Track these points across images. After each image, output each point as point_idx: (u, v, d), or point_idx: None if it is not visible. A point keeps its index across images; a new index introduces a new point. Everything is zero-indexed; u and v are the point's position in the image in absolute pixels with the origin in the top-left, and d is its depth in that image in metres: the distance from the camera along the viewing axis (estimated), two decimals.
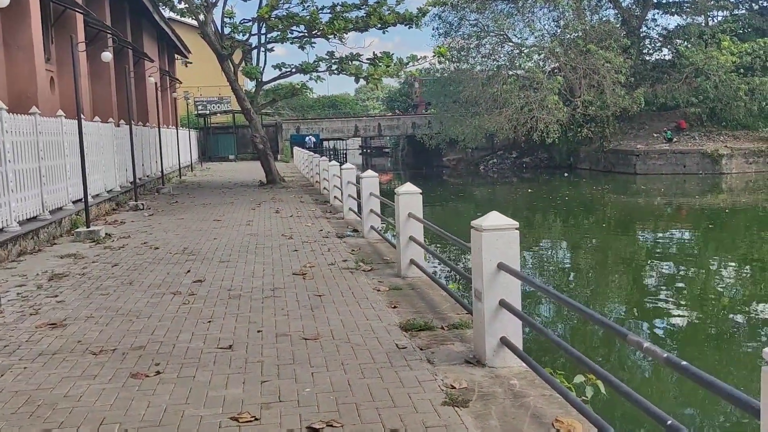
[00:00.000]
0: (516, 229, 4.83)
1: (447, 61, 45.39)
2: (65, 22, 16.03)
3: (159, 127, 22.19)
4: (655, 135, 41.31)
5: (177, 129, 28.60)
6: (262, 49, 21.93)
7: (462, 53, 44.70)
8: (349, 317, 6.14)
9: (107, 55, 13.01)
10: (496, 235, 4.78)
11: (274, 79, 22.30)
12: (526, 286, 5.63)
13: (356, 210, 13.19)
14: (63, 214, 12.53)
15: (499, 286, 4.77)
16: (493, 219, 4.83)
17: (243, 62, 22.37)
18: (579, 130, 41.24)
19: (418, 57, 20.03)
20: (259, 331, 5.78)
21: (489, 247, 4.76)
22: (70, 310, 6.69)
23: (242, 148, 46.52)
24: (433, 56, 20.67)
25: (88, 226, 11.62)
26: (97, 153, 15.97)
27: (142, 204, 16.30)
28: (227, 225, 13.02)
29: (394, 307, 6.49)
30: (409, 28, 20.50)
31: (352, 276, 7.94)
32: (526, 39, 43.96)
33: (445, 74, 48.40)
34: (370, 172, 10.93)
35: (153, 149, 22.90)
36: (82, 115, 14.61)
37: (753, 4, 45.79)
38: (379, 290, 7.18)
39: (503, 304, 4.75)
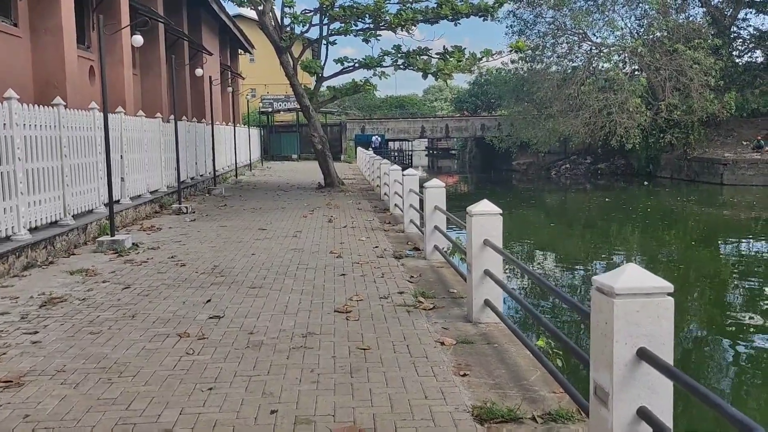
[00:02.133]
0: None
1: (520, 60, 43.26)
2: (110, 6, 14.80)
3: (212, 124, 20.91)
4: (744, 143, 38.19)
5: (235, 126, 27.36)
6: (324, 42, 20.42)
7: (537, 52, 42.40)
8: (401, 391, 4.41)
9: (138, 39, 11.67)
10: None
11: (336, 75, 20.74)
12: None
13: (417, 223, 11.46)
14: (91, 219, 11.21)
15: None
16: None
17: (303, 56, 20.90)
18: (661, 135, 38.44)
19: (493, 52, 18.14)
20: (273, 412, 4.10)
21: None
22: (41, 358, 5.17)
23: (305, 147, 45.27)
24: (510, 51, 18.78)
25: (112, 235, 10.23)
26: (138, 150, 14.70)
27: (186, 207, 14.95)
28: (272, 236, 11.46)
29: (464, 374, 4.71)
30: (483, 20, 18.62)
31: (409, 317, 6.20)
32: (606, 38, 41.33)
33: (519, 74, 46.18)
34: (436, 182, 9.16)
35: (207, 147, 21.67)
36: (121, 109, 13.40)
37: None
38: (443, 343, 5.41)
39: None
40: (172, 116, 17.71)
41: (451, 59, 17.92)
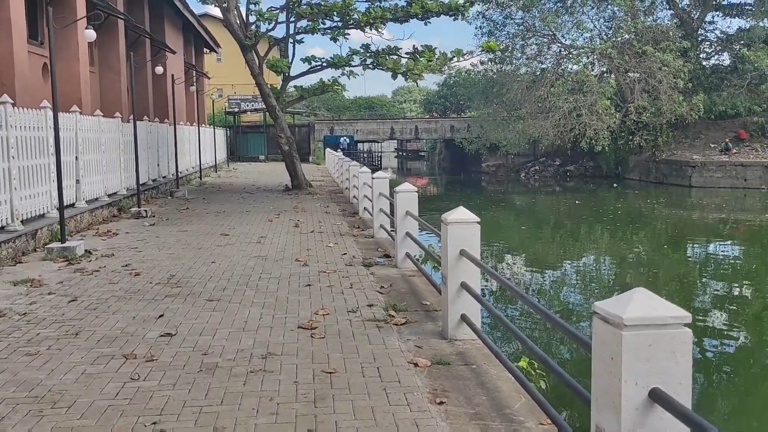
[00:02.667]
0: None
1: (489, 62, 43.08)
2: (64, 0, 14.06)
3: (175, 124, 20.21)
4: (712, 145, 38.40)
5: (199, 127, 26.64)
6: (291, 40, 19.85)
7: (506, 54, 42.21)
8: (370, 424, 3.92)
9: (90, 34, 11.01)
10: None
11: (303, 74, 20.17)
12: None
13: (388, 228, 11.00)
14: (42, 224, 10.54)
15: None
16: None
17: (269, 54, 20.31)
18: (630, 137, 38.49)
19: (464, 52, 17.75)
20: None
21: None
22: None
23: (273, 148, 44.47)
24: (482, 51, 18.40)
25: (63, 241, 9.59)
26: (95, 151, 14.01)
27: (146, 211, 14.30)
28: (234, 242, 10.90)
29: (441, 402, 4.25)
30: (454, 19, 18.23)
31: (379, 334, 5.72)
32: (576, 40, 41.32)
33: (488, 75, 46.00)
34: (407, 186, 8.69)
35: (170, 148, 20.96)
36: (77, 108, 12.73)
37: None
38: (417, 365, 4.95)
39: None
40: (132, 116, 17.05)
41: (421, 59, 17.49)
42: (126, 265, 8.86)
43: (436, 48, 17.81)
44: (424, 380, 4.64)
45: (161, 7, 23.43)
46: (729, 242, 21.71)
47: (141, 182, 17.73)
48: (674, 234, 23.25)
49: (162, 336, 5.69)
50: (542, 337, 10.07)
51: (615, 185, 38.88)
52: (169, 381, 4.65)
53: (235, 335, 5.70)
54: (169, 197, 18.72)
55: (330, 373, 4.77)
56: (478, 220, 5.54)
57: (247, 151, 45.73)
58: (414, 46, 18.19)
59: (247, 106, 49.10)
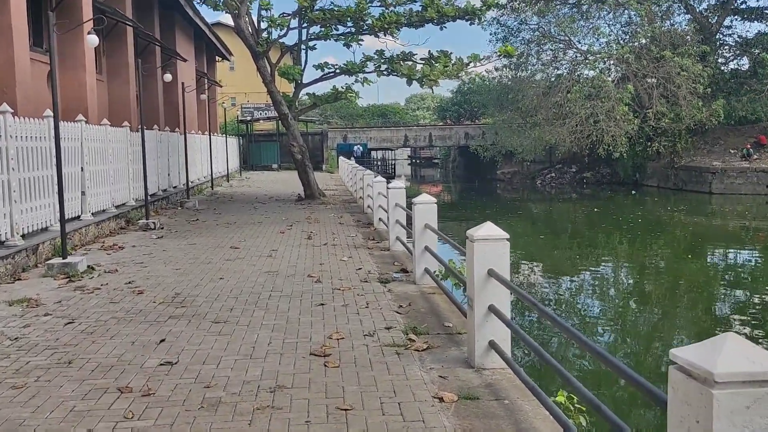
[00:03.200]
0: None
1: (504, 68, 42.61)
2: (71, 6, 13.69)
3: (185, 133, 19.83)
4: (732, 151, 37.66)
5: (211, 135, 26.28)
6: (303, 46, 19.44)
7: (521, 60, 41.69)
8: None
9: (93, 39, 10.60)
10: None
11: (316, 81, 19.75)
12: None
13: (404, 241, 10.49)
14: (44, 238, 10.13)
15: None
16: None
17: (281, 61, 19.91)
18: (648, 144, 37.83)
19: (481, 57, 17.25)
20: None
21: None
22: None
23: (286, 157, 44.04)
24: (498, 56, 17.89)
25: (64, 257, 9.14)
26: (102, 161, 13.61)
27: (154, 223, 13.87)
28: (244, 255, 10.43)
29: None
30: (470, 24, 17.73)
31: (399, 362, 5.21)
32: (592, 45, 40.73)
33: (503, 82, 45.49)
34: (425, 197, 8.18)
35: (180, 157, 20.58)
36: (82, 117, 12.36)
37: None
38: (442, 399, 4.43)
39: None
40: (155, 126, 16.71)
41: (437, 65, 17.01)
42: (129, 282, 8.41)
43: (452, 53, 17.33)
44: (452, 419, 4.12)
45: (172, 15, 23.12)
46: (751, 250, 21.21)
47: (151, 193, 17.41)
48: (698, 242, 22.65)
49: (162, 365, 5.20)
50: (578, 363, 9.45)
51: (633, 192, 38.19)
52: (166, 421, 4.15)
53: (242, 364, 5.20)
54: (180, 208, 18.32)
55: (346, 410, 4.26)
56: (507, 236, 5.02)
57: (260, 160, 45.41)
58: (429, 51, 17.73)
59: (261, 114, 48.87)
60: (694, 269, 17.73)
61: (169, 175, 19.96)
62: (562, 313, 13.03)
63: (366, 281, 8.30)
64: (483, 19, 17.86)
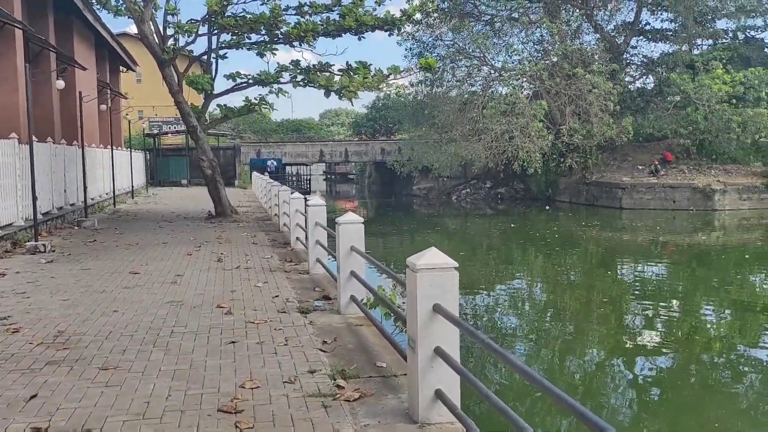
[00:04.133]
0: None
1: (420, 84, 42.47)
2: None
3: (83, 146, 18.27)
4: (640, 167, 38.61)
5: (113, 149, 24.62)
6: (213, 55, 18.32)
7: (436, 76, 41.60)
8: None
9: None
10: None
11: (227, 92, 18.63)
12: None
13: (326, 263, 9.61)
14: None
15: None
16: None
17: (189, 70, 18.70)
18: (561, 159, 38.33)
19: (402, 69, 16.64)
20: None
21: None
22: None
23: (196, 172, 42.39)
24: (419, 69, 17.32)
25: None
26: None
27: (44, 245, 12.44)
28: (145, 282, 9.29)
29: None
30: (389, 35, 17.12)
31: (327, 418, 4.32)
32: (506, 62, 41.08)
33: (418, 98, 45.35)
34: (351, 216, 7.32)
35: (78, 173, 18.97)
36: None
37: (738, 33, 43.78)
38: None
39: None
40: (49, 139, 15.20)
41: (356, 76, 16.25)
42: (4, 318, 7.17)
43: (371, 65, 16.62)
44: None
45: (70, 20, 21.45)
46: (661, 263, 21.71)
47: (44, 211, 15.90)
48: (610, 256, 22.93)
49: None
50: (538, 407, 8.76)
51: (547, 207, 38.59)
52: None
53: (131, 427, 4.20)
54: (76, 227, 16.79)
55: None
56: (456, 265, 4.24)
57: (168, 176, 43.45)
58: (347, 62, 16.95)
59: (170, 128, 46.96)
60: (608, 283, 17.82)
61: (65, 191, 18.35)
62: (496, 333, 12.51)
63: (284, 311, 7.37)
64: (402, 30, 17.25)
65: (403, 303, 4.85)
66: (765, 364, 10.92)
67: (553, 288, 17.52)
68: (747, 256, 22.33)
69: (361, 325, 6.75)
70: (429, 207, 43.65)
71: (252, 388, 4.87)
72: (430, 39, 42.95)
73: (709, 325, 13.66)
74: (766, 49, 43.53)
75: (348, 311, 7.20)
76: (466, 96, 41.32)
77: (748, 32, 43.58)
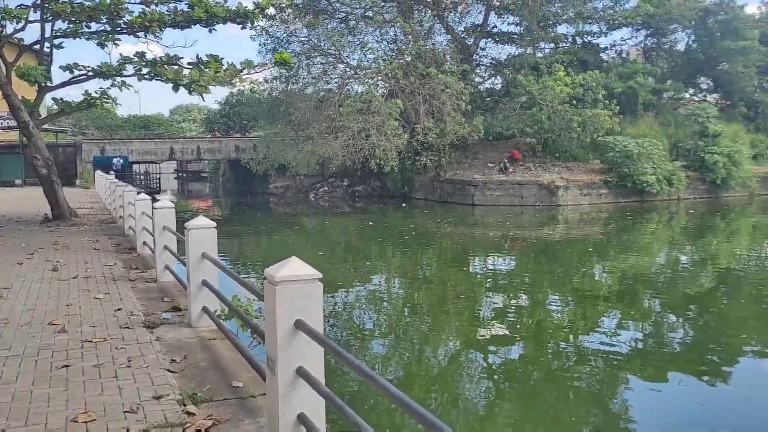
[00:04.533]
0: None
1: (275, 80, 41.71)
2: None
3: None
4: (490, 165, 40.08)
5: None
6: (47, 44, 16.79)
7: (291, 72, 41.01)
8: None
9: None
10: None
11: (64, 84, 17.14)
12: None
13: (175, 270, 8.92)
14: None
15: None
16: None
17: (20, 61, 17.04)
18: (417, 158, 39.00)
19: (256, 63, 15.98)
20: None
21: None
22: None
23: (33, 171, 39.36)
24: (275, 64, 16.73)
25: None
26: None
27: None
28: None
29: None
30: (242, 27, 16.40)
31: None
32: (362, 60, 41.22)
33: (273, 95, 44.52)
34: (203, 221, 6.73)
35: None
36: None
37: (577, 38, 46.47)
38: None
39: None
40: None
41: (207, 70, 15.43)
42: None
43: (223, 59, 15.85)
44: None
45: None
46: (511, 257, 22.63)
47: None
48: (464, 251, 23.64)
49: None
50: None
51: (404, 205, 39.13)
52: None
53: None
54: None
55: None
56: (320, 276, 3.85)
57: (0, 175, 39.92)
58: (197, 55, 16.08)
59: (2, 123, 43.12)
60: (462, 277, 18.35)
61: None
62: (356, 333, 12.30)
63: (127, 327, 6.67)
64: (256, 24, 16.59)
65: (262, 313, 4.43)
66: (603, 348, 11.51)
67: (410, 284, 17.79)
68: (590, 249, 23.61)
69: (215, 339, 6.21)
70: (286, 206, 43.03)
71: (86, 422, 4.24)
72: (284, 35, 42.31)
73: (555, 314, 14.34)
74: (601, 54, 46.54)
75: (200, 324, 6.63)
76: (322, 93, 41.09)
77: (586, 37, 46.35)
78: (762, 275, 18.67)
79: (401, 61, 40.01)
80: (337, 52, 40.71)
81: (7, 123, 41.46)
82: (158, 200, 9.74)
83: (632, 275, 18.52)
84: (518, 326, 13.25)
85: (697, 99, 47.81)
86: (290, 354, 3.78)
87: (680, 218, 32.33)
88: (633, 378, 10.22)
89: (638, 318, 13.93)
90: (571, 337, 12.45)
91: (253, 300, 5.98)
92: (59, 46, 16.98)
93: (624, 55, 48.27)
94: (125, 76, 16.17)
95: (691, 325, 13.53)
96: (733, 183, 39.11)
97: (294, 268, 3.78)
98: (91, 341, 6.12)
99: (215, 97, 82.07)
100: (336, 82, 41.62)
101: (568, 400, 9.47)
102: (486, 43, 46.11)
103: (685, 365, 10.78)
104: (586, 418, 9.00)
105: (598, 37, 46.48)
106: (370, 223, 31.72)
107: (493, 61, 46.43)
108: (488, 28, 45.18)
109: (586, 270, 19.98)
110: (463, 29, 45.22)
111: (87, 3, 15.52)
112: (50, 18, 16.05)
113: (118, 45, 17.02)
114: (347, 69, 41.41)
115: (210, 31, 16.40)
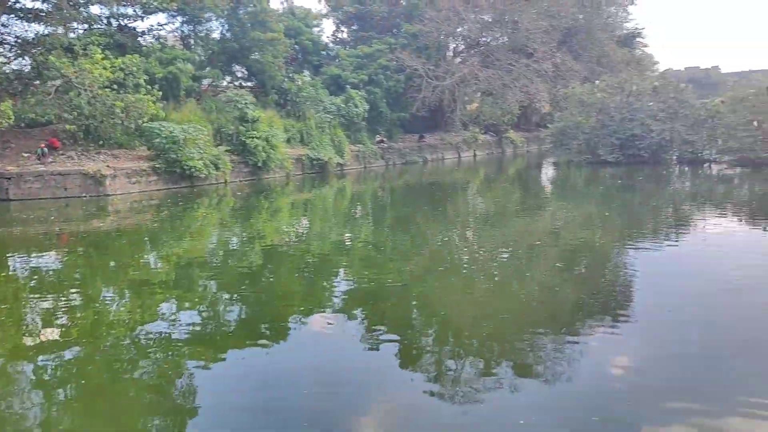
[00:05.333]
0: None
1: None
2: None
3: None
4: (25, 155, 36.34)
5: None
6: None
7: None
8: None
9: None
10: None
11: None
12: None
13: None
14: None
15: None
16: None
17: None
18: None
19: None
20: None
21: None
22: None
23: None
24: None
25: None
26: None
27: None
28: None
29: None
30: None
31: None
32: None
33: None
34: None
35: None
36: None
37: (112, 20, 44.77)
38: None
39: None
40: None
41: None
42: None
43: None
44: None
45: None
46: (57, 254, 20.96)
47: None
48: (4, 252, 20.94)
49: None
50: None
51: None
52: None
53: None
54: None
55: None
56: None
57: None
58: None
59: None
60: (2, 282, 16.19)
61: None
62: None
63: None
64: None
65: None
66: (164, 336, 11.57)
67: None
68: (145, 238, 23.16)
69: None
70: None
71: None
72: None
73: (111, 309, 13.84)
74: (139, 38, 45.69)
75: None
76: None
77: (122, 20, 44.91)
78: (302, 247, 20.61)
79: None
80: None
81: None
82: None
83: (187, 259, 18.73)
84: (72, 327, 12.38)
85: (234, 86, 50.39)
86: None
87: (228, 201, 33.84)
88: (195, 362, 10.33)
89: (197, 301, 14.16)
90: (129, 330, 12.11)
91: None
92: None
93: (163, 40, 48.18)
94: None
95: (245, 301, 14.20)
96: (272, 165, 42.43)
97: None
98: None
99: None
100: None
101: (132, 396, 9.27)
102: (9, 19, 41.33)
103: (244, 341, 11.29)
104: (151, 410, 8.78)
105: (135, 21, 45.50)
106: None
107: (20, 40, 41.90)
108: (11, 3, 40.54)
109: (141, 259, 19.58)
110: None
111: None
112: None
113: None
114: None
115: None
